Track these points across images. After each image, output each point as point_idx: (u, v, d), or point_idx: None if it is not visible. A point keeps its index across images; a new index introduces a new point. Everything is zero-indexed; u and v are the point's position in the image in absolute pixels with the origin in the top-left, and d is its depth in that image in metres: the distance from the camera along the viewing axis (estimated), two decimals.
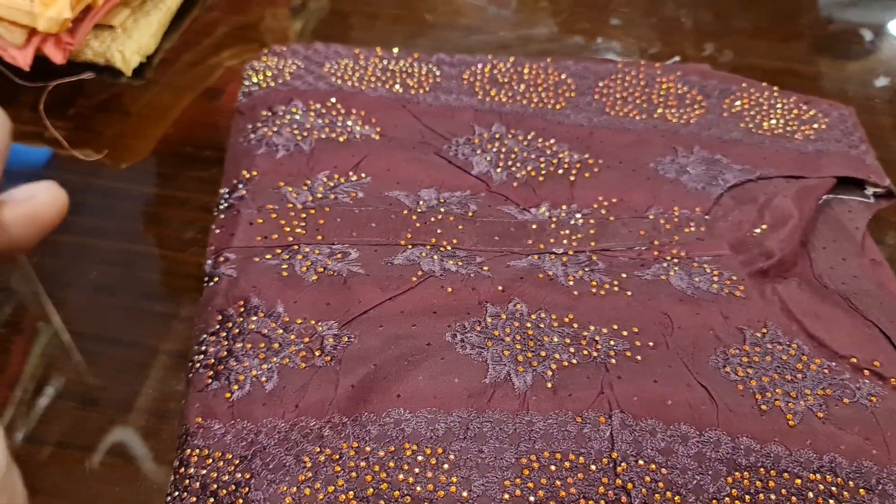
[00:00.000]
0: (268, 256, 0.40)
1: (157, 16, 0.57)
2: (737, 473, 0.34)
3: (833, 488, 0.33)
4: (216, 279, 0.40)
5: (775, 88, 0.52)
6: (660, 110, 0.50)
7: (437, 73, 0.51)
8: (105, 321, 0.42)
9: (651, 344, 0.38)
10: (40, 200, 0.26)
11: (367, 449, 0.33)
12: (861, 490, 0.33)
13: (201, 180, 0.49)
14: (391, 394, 0.35)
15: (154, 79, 0.56)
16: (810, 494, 0.33)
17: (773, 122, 0.50)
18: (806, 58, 0.60)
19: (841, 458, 0.34)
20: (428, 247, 0.41)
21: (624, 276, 0.41)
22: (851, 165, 0.47)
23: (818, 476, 0.33)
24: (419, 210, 0.43)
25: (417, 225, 0.42)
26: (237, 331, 0.37)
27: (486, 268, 0.41)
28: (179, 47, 0.59)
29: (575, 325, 0.38)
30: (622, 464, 0.33)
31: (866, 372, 0.37)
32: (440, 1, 0.64)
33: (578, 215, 0.44)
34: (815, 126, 0.50)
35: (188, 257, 0.45)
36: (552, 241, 0.42)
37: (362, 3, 0.64)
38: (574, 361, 0.37)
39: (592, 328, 0.38)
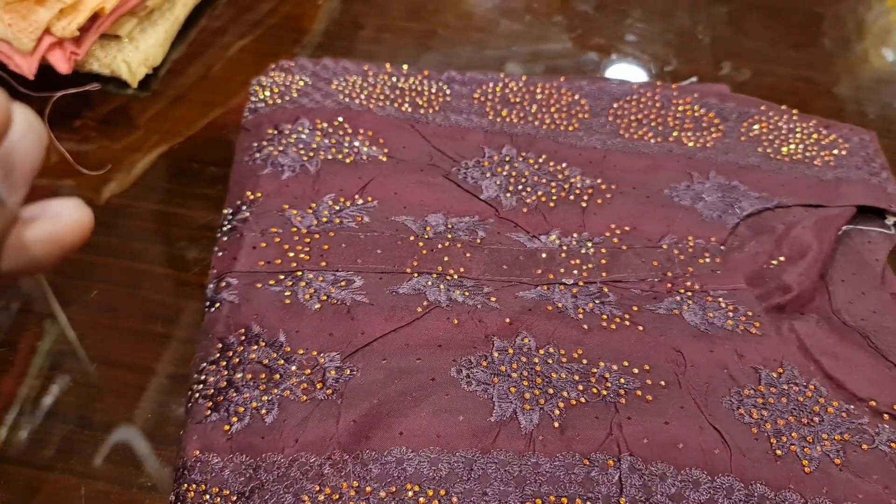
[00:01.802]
0: (271, 283, 0.39)
1: (164, 26, 0.57)
2: None
3: None
4: (217, 305, 0.39)
5: (795, 112, 0.51)
6: (675, 133, 0.49)
7: (448, 91, 0.50)
8: (105, 342, 0.42)
9: (663, 383, 0.36)
10: (65, 221, 0.25)
11: (368, 489, 0.32)
12: None
13: (206, 197, 0.48)
14: (394, 431, 0.34)
15: (160, 90, 0.56)
16: None
17: (792, 147, 0.49)
18: (826, 78, 0.59)
19: None
20: (434, 275, 0.40)
21: (635, 309, 0.40)
22: (872, 194, 0.46)
23: None
24: (426, 236, 0.42)
25: (424, 252, 0.41)
26: (237, 360, 0.36)
27: (493, 298, 0.39)
28: (186, 58, 0.58)
29: (584, 361, 0.37)
30: None
31: (886, 416, 0.36)
32: (452, 14, 0.63)
33: (590, 244, 0.43)
34: (835, 152, 0.48)
35: (191, 277, 0.44)
36: (562, 270, 0.41)
37: (373, 14, 0.63)
38: (583, 400, 0.36)
39: (602, 364, 0.37)
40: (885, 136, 0.52)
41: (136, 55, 0.54)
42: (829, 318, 0.41)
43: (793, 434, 0.35)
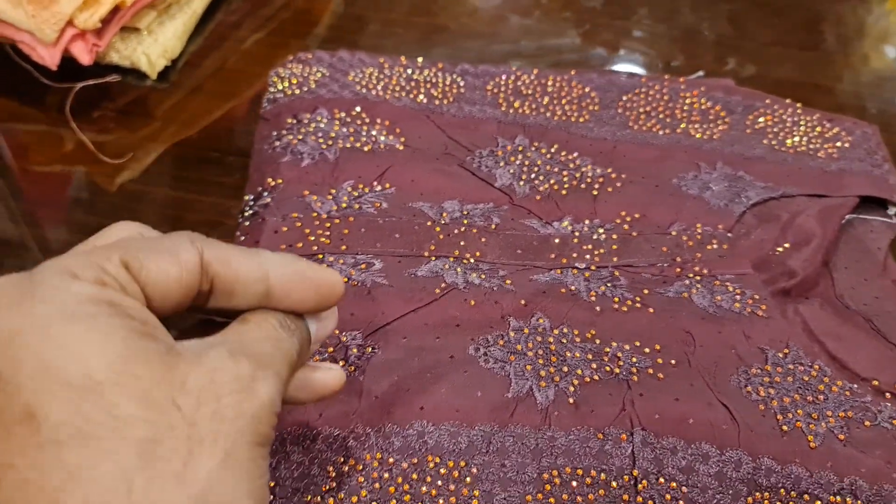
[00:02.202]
0: None
1: (182, 18, 0.58)
2: (757, 494, 0.34)
3: None
4: None
5: (799, 105, 0.52)
6: (683, 125, 0.50)
7: (461, 83, 0.52)
8: None
9: (673, 362, 0.38)
10: (331, 377, 0.29)
11: (391, 460, 0.34)
12: None
13: (224, 185, 0.50)
14: (414, 406, 0.35)
15: (178, 82, 0.57)
16: None
17: (797, 139, 0.50)
18: (829, 73, 0.60)
19: (862, 480, 0.34)
20: (451, 259, 0.41)
21: (646, 292, 0.41)
22: (874, 185, 0.47)
23: (838, 499, 0.34)
24: (443, 222, 0.43)
25: (441, 237, 0.42)
26: None
27: (508, 281, 0.41)
28: (204, 50, 0.59)
29: (597, 341, 0.38)
30: (643, 481, 0.34)
31: (888, 395, 0.37)
32: (461, 9, 0.64)
33: (601, 230, 0.44)
34: (839, 144, 0.50)
35: None
36: (575, 255, 0.42)
37: (381, 9, 0.64)
38: (596, 377, 0.37)
39: (615, 344, 0.38)
40: (885, 131, 0.53)
41: (155, 47, 0.55)
42: (832, 302, 0.42)
43: (798, 411, 0.36)
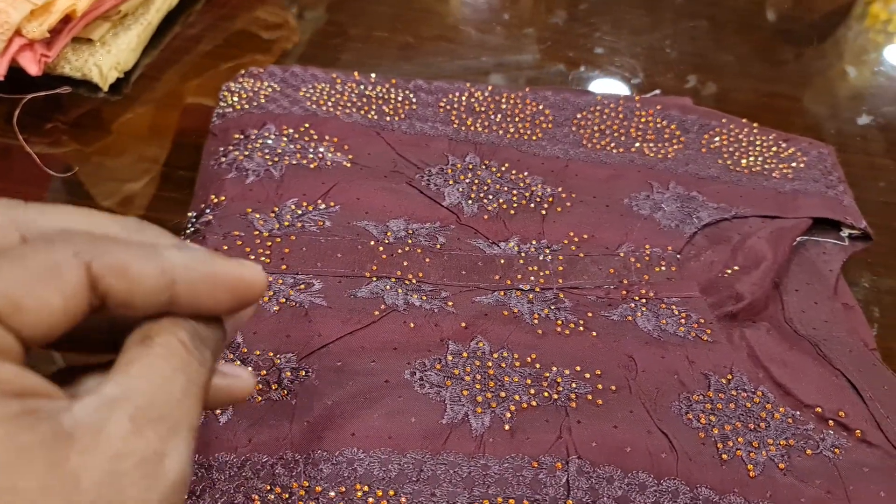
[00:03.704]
0: None
1: (137, 30, 0.57)
2: None
3: None
4: None
5: (755, 125, 0.52)
6: (637, 144, 0.50)
7: (414, 99, 0.51)
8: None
9: (613, 388, 0.37)
10: (238, 386, 0.24)
11: (318, 489, 0.33)
12: None
13: (174, 201, 0.49)
14: (346, 431, 0.34)
15: (132, 95, 0.56)
16: None
17: (752, 159, 0.50)
18: (789, 93, 0.60)
19: None
20: (393, 279, 0.41)
21: (590, 315, 0.40)
22: (828, 206, 0.47)
23: None
24: (386, 241, 0.42)
25: (384, 257, 0.41)
26: None
27: (450, 303, 0.40)
28: (159, 63, 0.58)
29: (537, 366, 0.38)
30: None
31: (831, 422, 0.37)
32: (425, 25, 0.63)
33: (548, 251, 0.43)
34: (794, 165, 0.49)
35: None
36: (519, 276, 0.42)
37: (349, 24, 0.63)
38: (534, 403, 0.36)
39: (555, 369, 0.38)
40: (843, 152, 0.53)
41: (107, 59, 0.54)
42: (780, 326, 0.42)
43: (739, 439, 0.36)
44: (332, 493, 0.33)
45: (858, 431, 0.36)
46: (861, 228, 0.46)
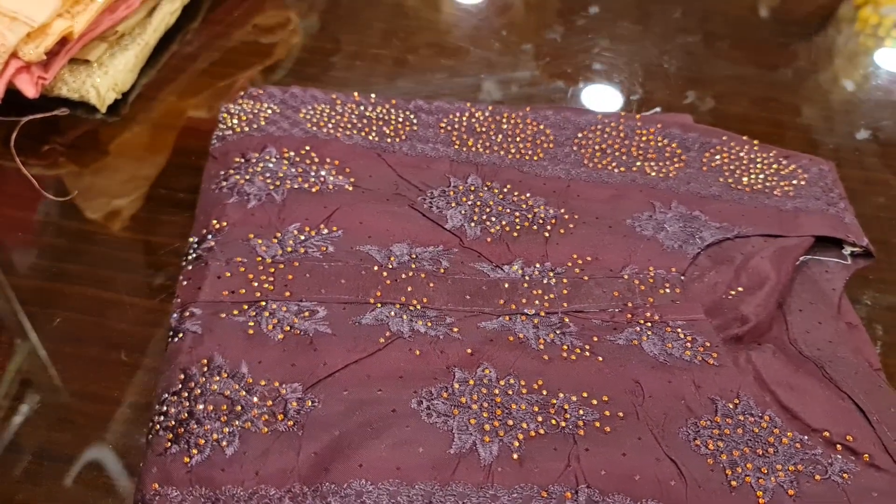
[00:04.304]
0: (234, 313, 0.39)
1: (134, 51, 0.57)
2: None
3: None
4: (181, 335, 0.39)
5: (756, 142, 0.52)
6: (639, 163, 0.50)
7: (415, 120, 0.51)
8: (67, 371, 0.42)
9: (621, 414, 0.37)
10: None
11: None
12: None
13: (174, 224, 0.49)
14: (353, 463, 0.34)
15: (130, 115, 0.56)
16: None
17: (753, 177, 0.50)
18: (788, 108, 0.60)
19: None
20: (398, 306, 0.40)
21: (596, 339, 0.40)
22: (830, 224, 0.47)
23: None
24: (390, 266, 0.42)
25: (388, 282, 0.41)
26: (199, 391, 0.36)
27: (455, 329, 0.40)
28: (157, 83, 0.58)
29: (544, 392, 0.38)
30: None
31: (839, 447, 0.37)
32: (422, 41, 0.63)
33: (552, 274, 0.43)
34: (795, 182, 0.49)
35: (157, 305, 0.45)
36: (524, 301, 0.42)
37: (343, 39, 0.63)
38: (542, 431, 0.36)
39: (562, 395, 0.37)
40: (842, 167, 0.53)
41: (105, 80, 0.54)
42: (785, 347, 0.42)
43: (748, 465, 0.35)
44: None
45: (867, 456, 0.36)
46: (863, 246, 0.46)
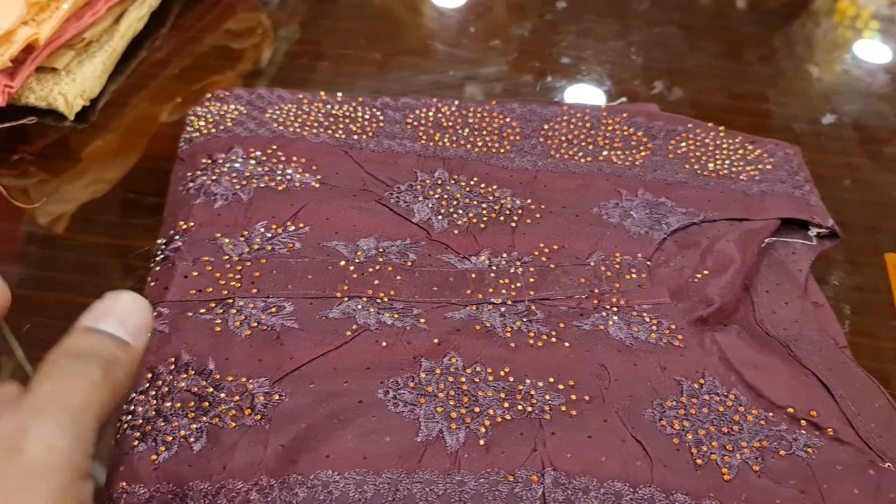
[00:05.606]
0: (202, 311, 0.40)
1: (102, 57, 0.57)
2: None
3: None
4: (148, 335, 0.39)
5: (721, 128, 0.52)
6: (605, 152, 0.50)
7: (381, 117, 0.51)
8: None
9: (587, 398, 0.37)
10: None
11: None
12: None
13: (144, 228, 0.49)
14: (320, 454, 0.34)
15: (99, 122, 0.56)
16: None
17: (719, 163, 0.50)
18: (754, 95, 0.61)
19: None
20: (364, 299, 0.41)
21: (562, 326, 0.40)
22: (795, 206, 0.47)
23: None
24: (357, 260, 0.42)
25: (354, 276, 0.41)
26: (166, 389, 0.37)
27: (422, 320, 0.40)
28: (126, 89, 0.58)
29: (511, 379, 0.38)
30: None
31: (803, 422, 0.37)
32: (388, 40, 0.64)
33: (519, 263, 0.43)
34: (760, 166, 0.50)
35: None
36: (491, 290, 0.42)
37: (323, 42, 0.64)
38: (508, 417, 0.36)
39: (528, 381, 0.38)
40: (810, 151, 0.53)
41: (72, 87, 0.54)
42: (751, 328, 0.42)
43: (713, 443, 0.36)
44: None
45: (830, 430, 0.37)
46: (828, 227, 0.47)
